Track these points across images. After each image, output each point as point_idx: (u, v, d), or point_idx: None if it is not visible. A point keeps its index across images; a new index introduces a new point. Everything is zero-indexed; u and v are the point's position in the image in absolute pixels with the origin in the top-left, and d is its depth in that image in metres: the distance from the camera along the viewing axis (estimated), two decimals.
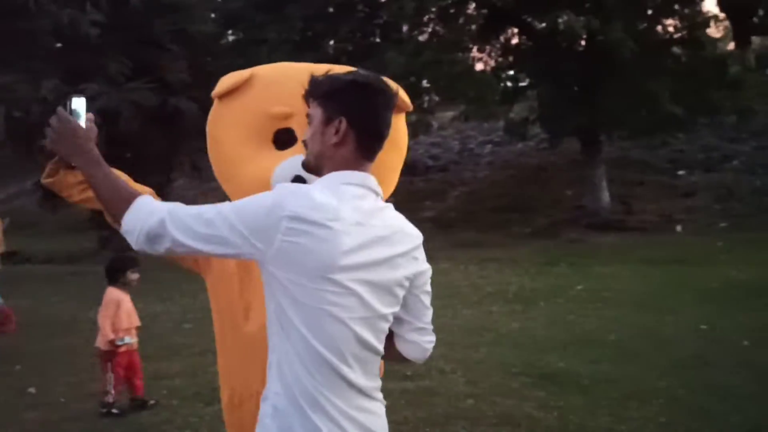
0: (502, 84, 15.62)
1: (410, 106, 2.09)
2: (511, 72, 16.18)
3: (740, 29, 16.30)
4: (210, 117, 2.13)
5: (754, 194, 13.64)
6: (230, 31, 16.79)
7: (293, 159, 1.95)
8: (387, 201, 1.73)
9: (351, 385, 1.56)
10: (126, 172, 2.01)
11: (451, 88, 14.34)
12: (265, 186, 1.94)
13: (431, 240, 11.12)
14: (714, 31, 14.89)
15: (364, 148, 1.67)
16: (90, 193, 1.90)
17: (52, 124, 1.69)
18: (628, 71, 12.55)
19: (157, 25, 13.80)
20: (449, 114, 18.70)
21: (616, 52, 11.89)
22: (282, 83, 2.03)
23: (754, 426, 4.04)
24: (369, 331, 1.59)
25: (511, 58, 15.86)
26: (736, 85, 12.80)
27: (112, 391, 4.63)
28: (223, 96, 2.09)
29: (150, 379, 5.36)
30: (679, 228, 12.66)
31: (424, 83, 15.14)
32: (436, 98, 16.70)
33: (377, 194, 1.66)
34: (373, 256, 1.59)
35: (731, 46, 16.23)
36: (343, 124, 1.63)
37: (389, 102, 1.69)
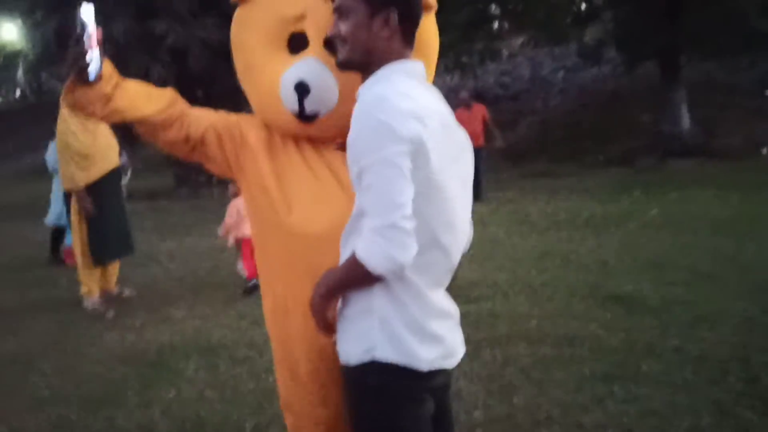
0: (576, 5, 14.90)
1: (435, 5, 1.99)
2: None
3: None
4: (232, 23, 2.11)
5: None
6: None
7: (299, 64, 1.91)
8: None
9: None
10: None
11: (521, 12, 13.77)
12: (276, 92, 1.94)
13: (501, 171, 11.15)
14: None
15: (409, 36, 1.64)
16: (114, 105, 1.89)
17: (70, 45, 1.71)
18: None
19: None
20: (519, 41, 18.05)
21: None
22: None
23: None
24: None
25: None
26: None
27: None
28: (241, 0, 2.05)
29: (222, 303, 5.56)
30: (765, 151, 11.95)
31: (492, 9, 14.60)
32: (505, 24, 16.15)
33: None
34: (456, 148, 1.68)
35: None
36: (394, 16, 1.57)
37: None
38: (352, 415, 1.70)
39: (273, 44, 1.99)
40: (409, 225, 1.48)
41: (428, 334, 1.62)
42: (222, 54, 13.54)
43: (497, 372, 3.74)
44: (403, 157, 1.48)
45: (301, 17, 1.94)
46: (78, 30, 1.72)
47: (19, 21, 20.74)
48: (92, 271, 5.70)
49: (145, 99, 1.97)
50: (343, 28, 1.60)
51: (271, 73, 1.97)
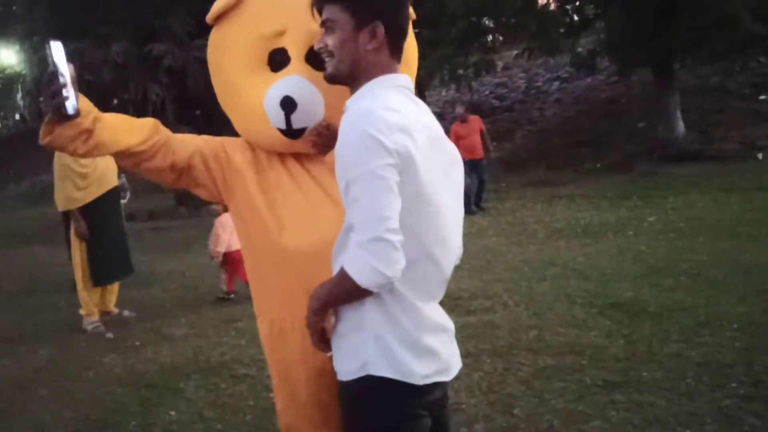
0: (566, 17, 14.97)
1: (414, 16, 1.98)
2: (576, 3, 15.48)
3: None
4: (209, 45, 2.09)
5: None
6: None
7: (283, 81, 1.91)
8: None
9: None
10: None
11: (513, 25, 13.84)
12: (260, 111, 1.92)
13: (499, 180, 11.15)
14: None
15: (396, 48, 1.63)
16: (96, 140, 1.84)
17: (43, 84, 1.69)
18: None
19: None
20: (513, 53, 18.14)
21: None
22: (271, 0, 1.96)
23: None
24: None
25: None
26: None
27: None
28: (216, 20, 2.03)
29: (222, 322, 5.55)
30: (761, 155, 11.96)
31: (486, 22, 14.67)
32: (500, 37, 16.22)
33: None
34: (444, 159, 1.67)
35: None
36: (381, 29, 1.57)
37: None
38: (347, 426, 1.68)
39: (253, 63, 1.97)
40: (396, 238, 1.46)
41: (422, 348, 1.60)
42: None
43: (498, 383, 3.72)
44: (389, 170, 1.47)
45: (280, 33, 1.93)
46: (51, 68, 1.70)
47: (17, 45, 20.87)
48: (91, 292, 5.69)
49: (127, 130, 1.92)
50: (330, 41, 1.60)
51: (255, 92, 1.95)
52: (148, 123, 1.97)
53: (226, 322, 5.50)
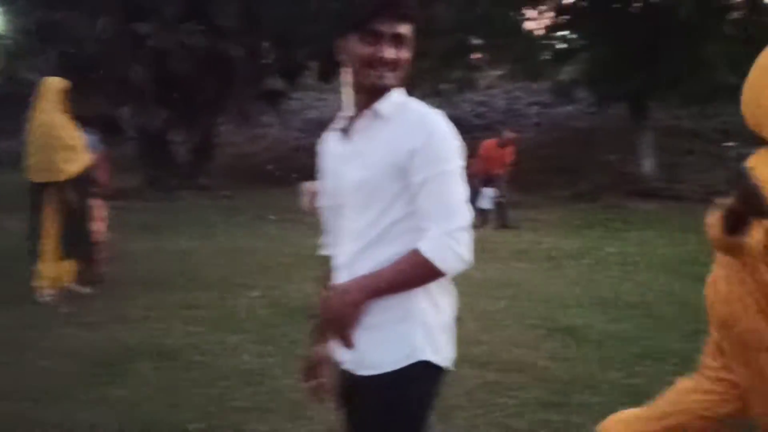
0: (554, 44, 15.30)
1: None
2: (565, 32, 15.82)
3: None
4: None
5: None
6: None
7: None
8: None
9: None
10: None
11: (501, 46, 14.11)
12: None
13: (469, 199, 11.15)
14: None
15: None
16: None
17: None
18: (685, 35, 12.14)
19: None
20: (497, 73, 18.43)
21: (673, 14, 11.51)
22: None
23: None
24: None
25: (565, 17, 15.47)
26: None
27: None
28: None
29: (182, 308, 5.61)
30: (731, 144, 12.37)
31: (473, 39, 14.91)
32: (486, 56, 16.45)
33: None
34: None
35: None
36: None
37: None
38: (384, 419, 1.71)
39: None
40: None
41: (450, 332, 1.80)
42: (204, 62, 13.74)
43: (443, 392, 3.84)
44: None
45: None
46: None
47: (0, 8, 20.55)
48: (52, 266, 5.71)
49: None
50: (404, 56, 1.74)
51: None
52: None
53: (187, 308, 5.56)
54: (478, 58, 15.87)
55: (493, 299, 6.01)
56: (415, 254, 1.64)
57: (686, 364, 4.39)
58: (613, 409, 3.64)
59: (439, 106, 1.78)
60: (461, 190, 1.67)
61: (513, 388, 3.92)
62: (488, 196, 10.45)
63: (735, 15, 13.41)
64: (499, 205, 10.74)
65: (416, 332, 1.70)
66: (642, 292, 6.33)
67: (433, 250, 1.63)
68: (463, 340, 4.74)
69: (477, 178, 9.81)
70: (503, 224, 10.59)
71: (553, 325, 5.19)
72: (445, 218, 1.63)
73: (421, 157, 1.65)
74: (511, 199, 11.30)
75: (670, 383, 4.07)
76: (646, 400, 3.76)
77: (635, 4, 13.30)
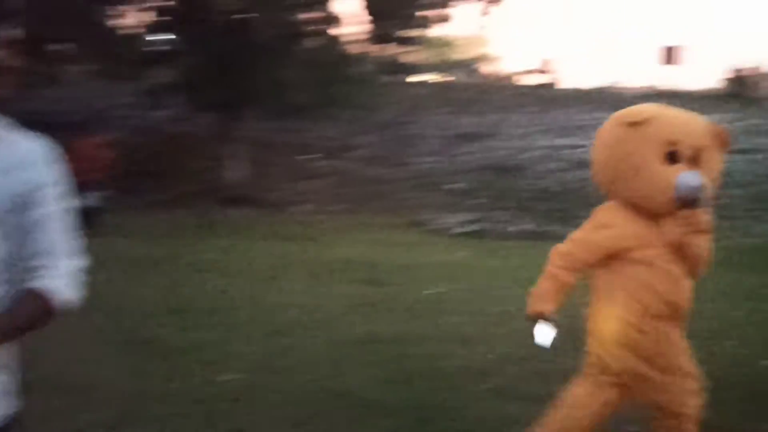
0: (147, 46, 15.02)
1: None
2: (162, 36, 15.66)
3: (380, 34, 18.06)
4: (619, 138, 2.94)
5: (370, 182, 15.40)
6: None
7: (690, 173, 2.76)
8: None
9: None
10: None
11: (85, 40, 13.33)
12: (668, 187, 2.76)
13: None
14: (352, 31, 16.27)
15: None
16: None
17: None
18: (265, 55, 13.14)
19: None
20: (78, 68, 17.32)
21: (255, 33, 12.38)
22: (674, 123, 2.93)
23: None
24: None
25: (163, 18, 15.28)
26: (361, 83, 14.32)
27: None
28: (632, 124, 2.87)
29: None
30: (300, 208, 13.67)
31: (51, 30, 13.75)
32: (73, 49, 15.29)
33: None
34: None
35: (372, 47, 17.82)
36: None
37: None
38: None
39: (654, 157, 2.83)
40: None
41: None
42: None
43: None
44: None
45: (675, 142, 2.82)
46: None
47: None
48: None
49: None
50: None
51: (661, 177, 2.80)
52: None
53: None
54: (59, 51, 14.66)
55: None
56: (34, 295, 1.45)
57: (250, 368, 4.65)
58: (185, 422, 3.73)
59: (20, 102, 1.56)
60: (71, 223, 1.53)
61: (70, 411, 3.69)
62: (85, 199, 9.75)
63: (310, 43, 14.99)
64: (94, 210, 10.12)
65: None
66: (221, 298, 6.62)
67: (57, 288, 1.47)
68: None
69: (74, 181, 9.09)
70: (96, 230, 10.00)
71: (128, 338, 5.08)
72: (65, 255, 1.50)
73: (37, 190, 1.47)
74: (105, 204, 10.76)
75: (241, 387, 4.33)
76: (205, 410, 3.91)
77: (220, 18, 13.90)
